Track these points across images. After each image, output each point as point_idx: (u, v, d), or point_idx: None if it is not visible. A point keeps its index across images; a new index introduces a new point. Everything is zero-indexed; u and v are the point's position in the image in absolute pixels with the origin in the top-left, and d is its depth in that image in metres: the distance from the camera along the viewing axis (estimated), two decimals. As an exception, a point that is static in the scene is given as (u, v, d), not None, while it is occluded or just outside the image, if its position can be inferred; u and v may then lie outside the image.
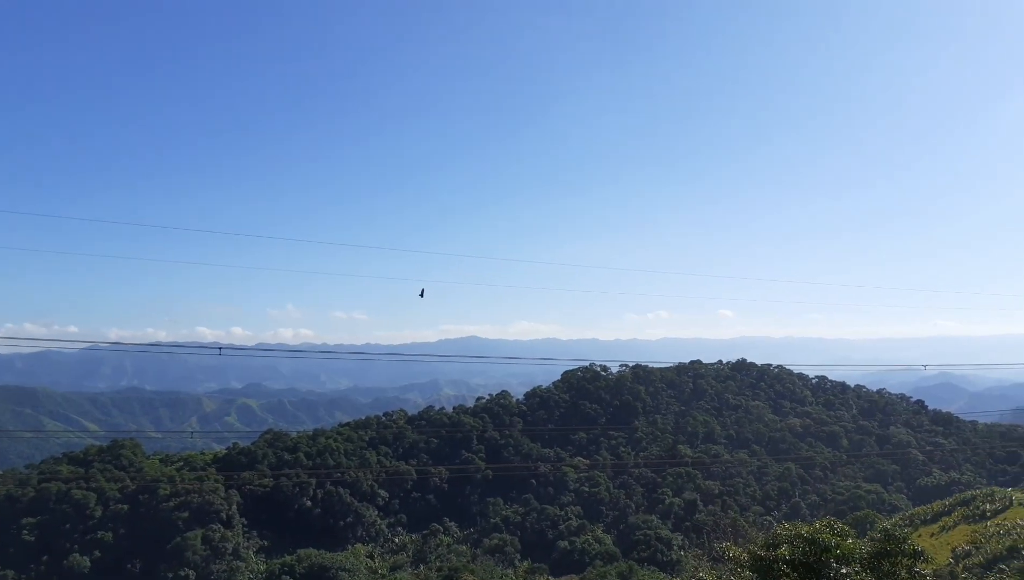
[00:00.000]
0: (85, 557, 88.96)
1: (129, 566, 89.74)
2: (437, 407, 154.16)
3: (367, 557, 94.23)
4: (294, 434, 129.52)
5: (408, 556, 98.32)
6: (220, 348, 38.23)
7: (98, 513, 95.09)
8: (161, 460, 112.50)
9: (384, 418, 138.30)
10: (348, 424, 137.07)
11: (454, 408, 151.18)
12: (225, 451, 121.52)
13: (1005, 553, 44.83)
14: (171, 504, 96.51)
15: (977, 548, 47.71)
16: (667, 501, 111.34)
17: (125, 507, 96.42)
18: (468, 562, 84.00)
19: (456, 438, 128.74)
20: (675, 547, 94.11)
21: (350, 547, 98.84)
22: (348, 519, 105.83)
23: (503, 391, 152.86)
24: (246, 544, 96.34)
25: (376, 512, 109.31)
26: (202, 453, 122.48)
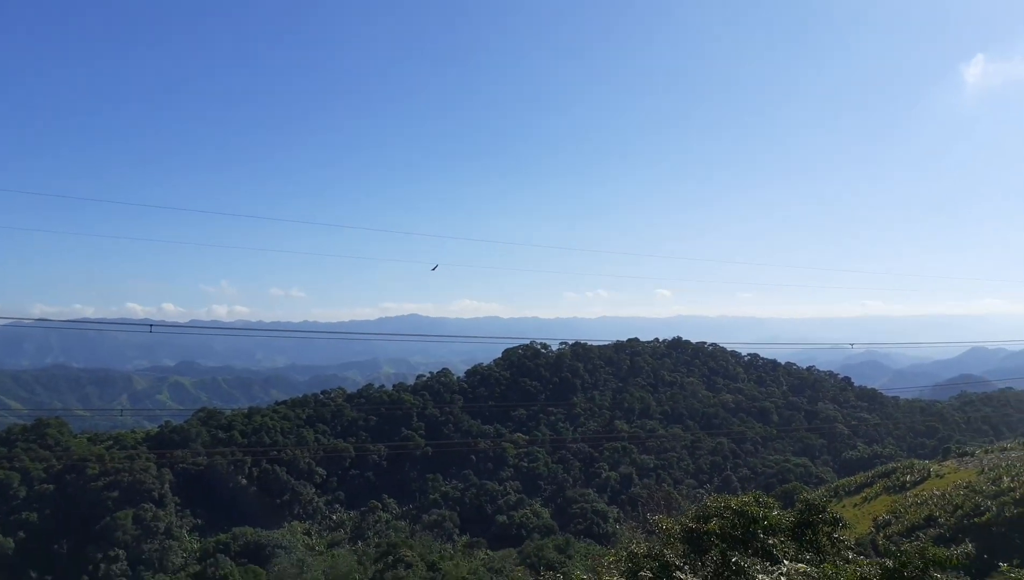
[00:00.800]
0: (9, 539, 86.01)
1: (56, 547, 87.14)
2: (377, 385, 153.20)
3: (304, 534, 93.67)
4: (229, 412, 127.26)
5: (346, 533, 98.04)
6: (151, 325, 36.92)
7: (22, 493, 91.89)
8: (89, 439, 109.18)
9: (322, 396, 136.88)
10: (285, 402, 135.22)
11: (394, 386, 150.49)
12: (157, 429, 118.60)
13: (922, 522, 47.02)
14: (100, 484, 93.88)
15: (897, 518, 49.91)
16: (604, 475, 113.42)
17: (51, 487, 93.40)
18: (407, 538, 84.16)
19: (396, 416, 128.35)
20: (611, 520, 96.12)
21: (287, 525, 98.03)
22: (285, 497, 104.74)
23: (444, 369, 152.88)
24: (179, 523, 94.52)
25: (313, 490, 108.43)
26: (133, 432, 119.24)
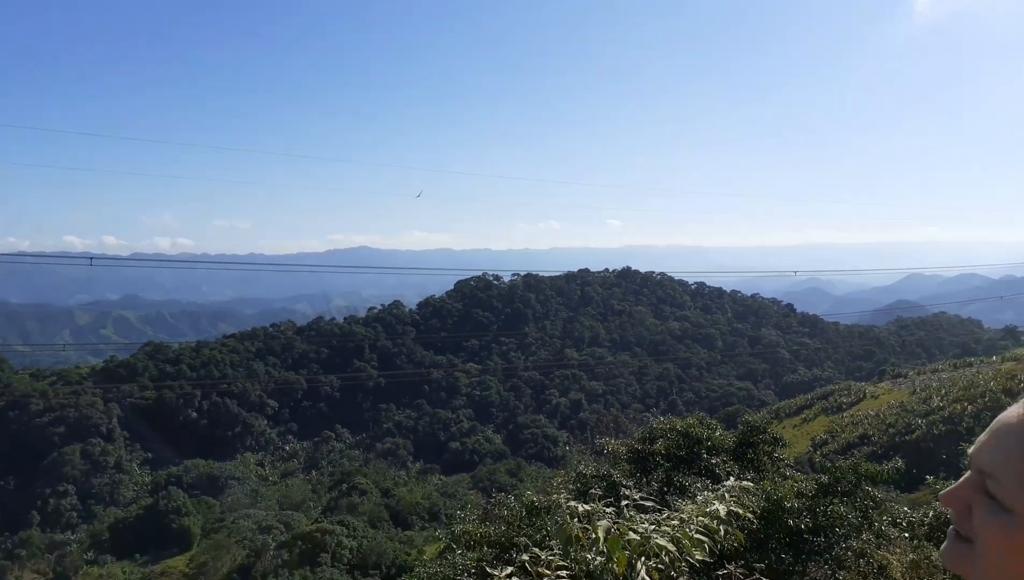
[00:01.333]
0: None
1: (2, 483, 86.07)
2: (328, 318, 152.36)
3: (257, 465, 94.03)
4: (176, 346, 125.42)
5: (300, 463, 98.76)
6: (91, 258, 35.59)
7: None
8: (32, 375, 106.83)
9: (272, 329, 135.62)
10: (234, 335, 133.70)
11: (345, 319, 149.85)
12: (103, 364, 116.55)
13: (857, 440, 49.38)
14: (45, 420, 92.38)
15: (833, 437, 52.28)
16: (554, 401, 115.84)
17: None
18: (361, 466, 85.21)
19: (348, 348, 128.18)
20: (561, 444, 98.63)
21: (240, 456, 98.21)
22: (236, 429, 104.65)
23: (396, 301, 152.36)
24: (129, 457, 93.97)
25: (265, 422, 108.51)
26: (77, 367, 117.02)
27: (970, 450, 1.07)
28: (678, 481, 11.60)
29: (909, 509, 12.25)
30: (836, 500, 10.03)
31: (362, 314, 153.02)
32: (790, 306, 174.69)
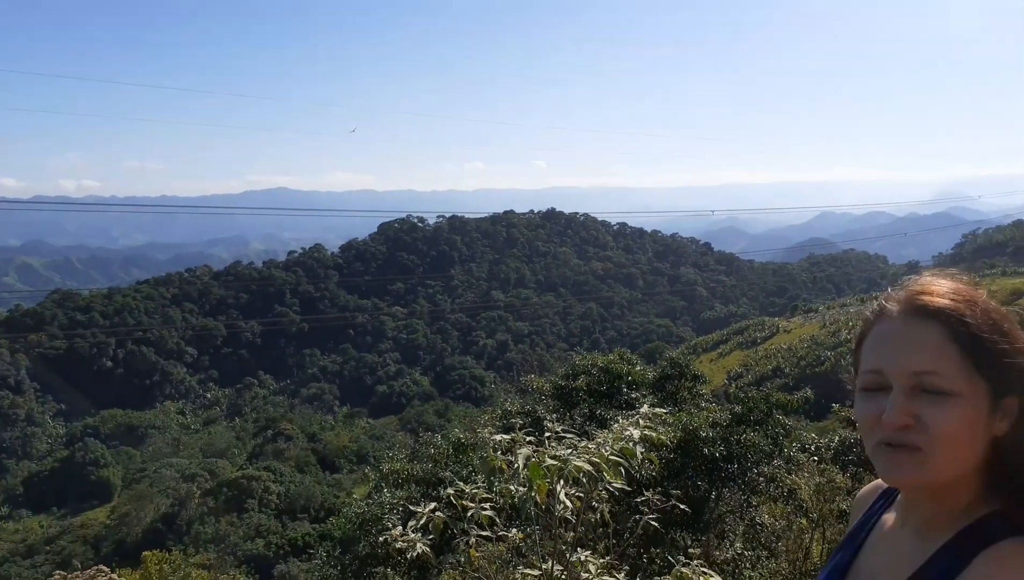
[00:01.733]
0: None
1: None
2: (246, 262, 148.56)
3: (178, 414, 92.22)
4: (86, 293, 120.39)
5: (222, 410, 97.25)
6: (-13, 201, 33.33)
7: None
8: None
9: (187, 274, 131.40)
10: (147, 281, 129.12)
11: (264, 263, 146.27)
12: (7, 313, 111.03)
13: (770, 373, 51.70)
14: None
15: (748, 370, 54.57)
16: (481, 343, 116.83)
17: None
18: (286, 412, 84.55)
19: (268, 293, 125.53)
20: (488, 384, 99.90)
21: (159, 405, 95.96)
22: (154, 378, 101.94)
23: (317, 244, 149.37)
24: (41, 409, 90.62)
25: (185, 369, 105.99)
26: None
27: (896, 365, 1.12)
28: (600, 415, 11.92)
29: (817, 435, 12.97)
30: (749, 429, 10.51)
31: (282, 258, 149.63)
32: (708, 245, 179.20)
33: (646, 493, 3.88)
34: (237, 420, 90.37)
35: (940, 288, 1.18)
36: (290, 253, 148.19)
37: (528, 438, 2.87)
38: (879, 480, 1.47)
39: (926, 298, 1.17)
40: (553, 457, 2.71)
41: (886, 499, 1.44)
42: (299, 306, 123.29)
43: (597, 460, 2.75)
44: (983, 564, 1.08)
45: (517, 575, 3.25)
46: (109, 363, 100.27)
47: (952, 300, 1.15)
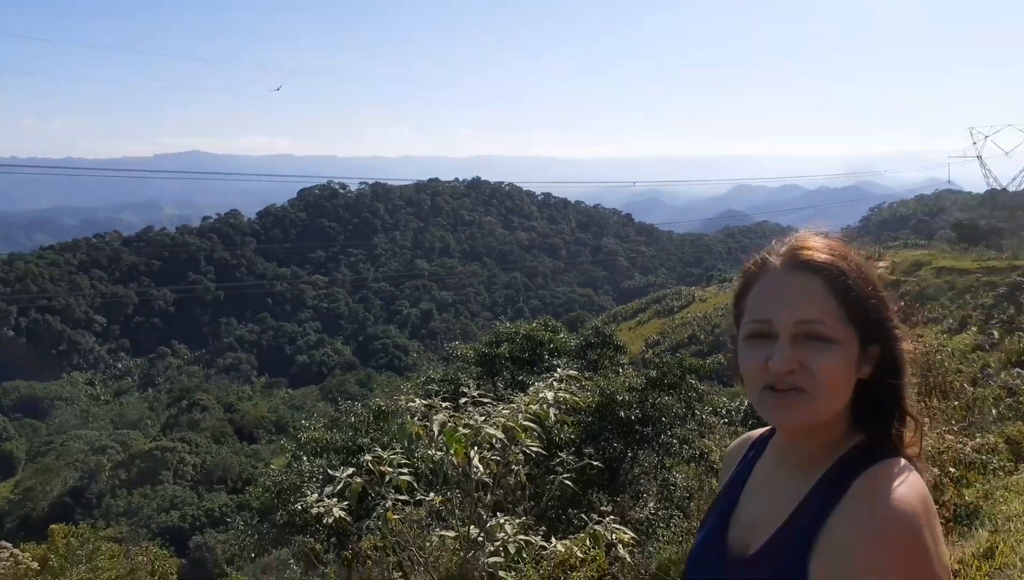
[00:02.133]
0: None
1: None
2: (158, 228, 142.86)
3: (87, 385, 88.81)
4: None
5: (134, 381, 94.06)
6: None
7: None
8: None
9: (95, 240, 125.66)
10: (52, 247, 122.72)
11: (178, 229, 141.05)
12: None
13: (686, 340, 53.22)
14: None
15: (664, 337, 56.05)
16: (405, 312, 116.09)
17: None
18: (202, 382, 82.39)
19: (181, 260, 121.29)
20: (412, 353, 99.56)
21: (66, 376, 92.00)
22: (61, 348, 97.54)
23: (233, 210, 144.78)
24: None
25: (94, 339, 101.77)
26: None
27: (782, 315, 1.22)
28: (522, 381, 12.07)
29: (728, 399, 13.47)
30: (663, 393, 10.84)
31: (196, 224, 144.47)
32: (629, 216, 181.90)
33: (561, 454, 3.97)
34: (150, 391, 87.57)
35: (818, 244, 1.29)
36: (205, 219, 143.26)
37: (445, 404, 2.90)
38: (748, 433, 1.61)
39: (807, 253, 1.27)
40: (467, 424, 2.74)
41: (758, 449, 1.51)
42: (214, 274, 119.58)
43: (512, 425, 2.80)
44: (861, 484, 1.18)
45: (434, 538, 3.29)
46: (11, 333, 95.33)
47: (830, 255, 1.26)
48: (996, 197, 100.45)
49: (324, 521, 3.11)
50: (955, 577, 4.26)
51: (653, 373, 11.56)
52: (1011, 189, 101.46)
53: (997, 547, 4.49)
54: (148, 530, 39.94)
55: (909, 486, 1.18)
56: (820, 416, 1.23)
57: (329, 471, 3.25)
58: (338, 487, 3.12)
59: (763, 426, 1.50)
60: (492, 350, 13.58)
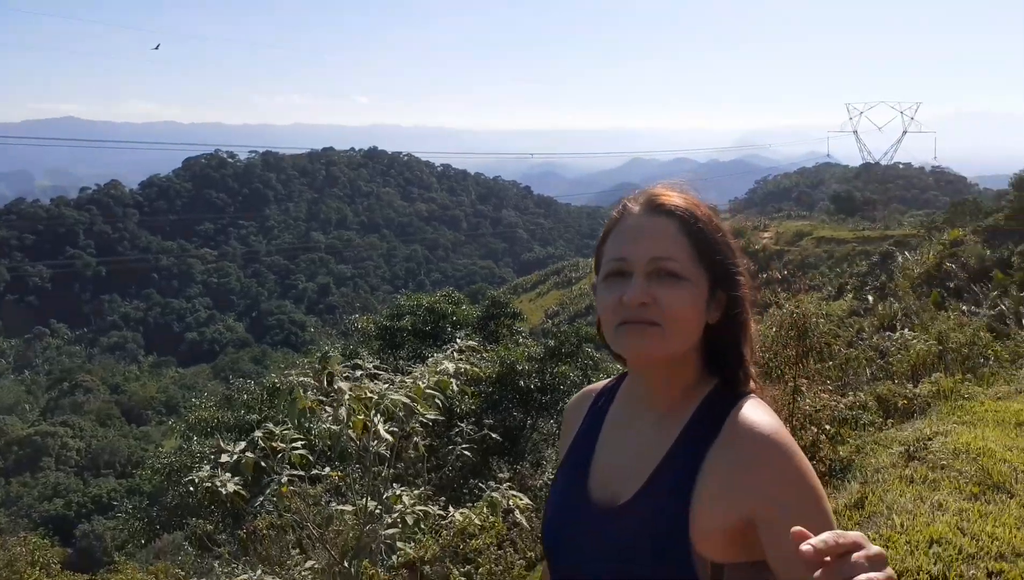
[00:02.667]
0: None
1: None
2: (30, 199, 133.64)
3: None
4: None
5: (9, 363, 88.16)
6: None
7: None
8: None
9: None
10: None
11: (53, 200, 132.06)
12: None
13: (583, 310, 54.31)
14: None
15: (563, 308, 57.05)
16: (301, 286, 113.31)
17: None
18: (84, 362, 78.23)
19: (58, 234, 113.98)
20: (309, 329, 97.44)
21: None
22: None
23: (114, 181, 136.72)
24: None
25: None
26: None
27: (638, 252, 1.28)
28: (424, 354, 12.05)
29: (622, 367, 13.84)
30: (561, 362, 11.06)
31: (74, 195, 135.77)
32: (528, 188, 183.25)
33: (460, 424, 4.00)
34: (27, 373, 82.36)
35: (673, 192, 1.37)
36: (83, 190, 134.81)
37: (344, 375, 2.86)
38: (590, 386, 1.64)
39: (663, 198, 1.35)
40: (370, 391, 2.71)
41: (606, 398, 1.52)
42: (95, 248, 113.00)
43: (413, 395, 2.79)
44: (734, 419, 1.23)
45: (331, 511, 3.26)
46: None
47: (684, 202, 1.34)
48: (870, 170, 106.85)
49: (219, 496, 3.01)
50: (829, 526, 4.56)
51: (551, 343, 11.77)
52: (883, 162, 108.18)
53: (867, 497, 4.82)
54: (30, 520, 37.87)
55: (773, 417, 1.24)
56: (672, 349, 1.27)
57: (221, 446, 3.14)
58: (232, 459, 3.03)
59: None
60: (394, 323, 13.47)
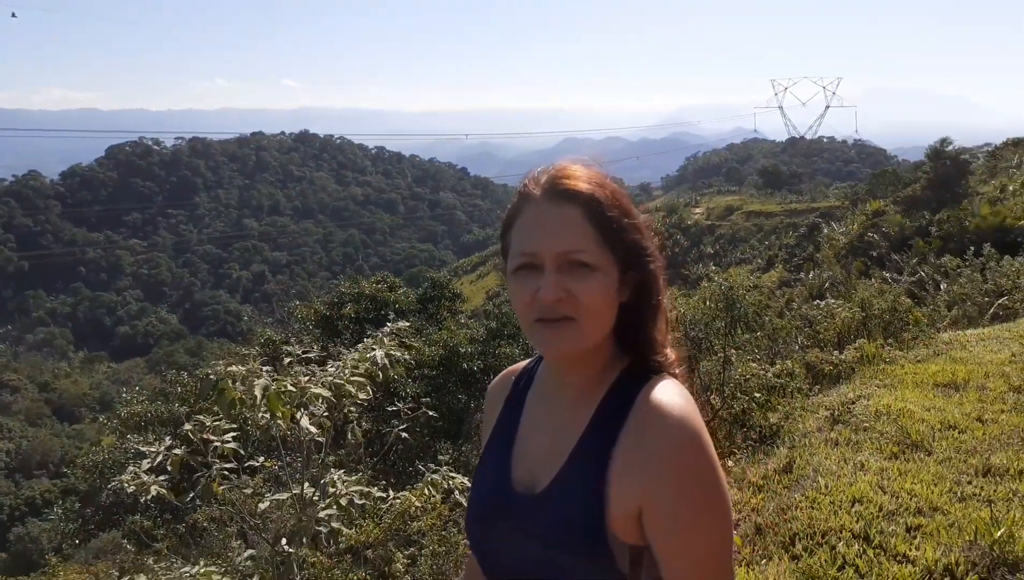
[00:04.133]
0: None
1: None
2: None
3: None
4: None
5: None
6: None
7: None
8: None
9: None
10: None
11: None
12: None
13: (523, 290, 54.73)
14: None
15: (505, 289, 57.22)
16: (235, 275, 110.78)
17: None
18: (10, 361, 75.14)
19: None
20: (245, 318, 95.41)
21: None
22: None
23: (32, 171, 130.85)
24: None
25: None
26: None
27: (547, 246, 1.25)
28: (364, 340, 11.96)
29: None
30: (504, 343, 11.12)
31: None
32: (464, 170, 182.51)
33: (397, 404, 4.01)
34: (-54, 376, 78.77)
35: (576, 172, 1.32)
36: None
37: (266, 367, 2.83)
38: (510, 368, 1.59)
39: (567, 182, 1.29)
40: (293, 384, 2.69)
41: (528, 379, 1.48)
42: (15, 242, 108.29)
43: (340, 382, 2.78)
44: (640, 402, 1.23)
45: (266, 502, 3.24)
46: None
47: (588, 183, 1.29)
48: (796, 145, 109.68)
49: (142, 499, 2.95)
50: (759, 491, 4.73)
51: (493, 324, 11.81)
52: (808, 137, 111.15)
53: (795, 461, 5.01)
54: (-43, 526, 36.49)
55: (682, 396, 1.23)
56: (590, 342, 1.26)
57: (141, 447, 3.08)
58: (156, 460, 2.98)
59: None
60: (335, 311, 13.31)
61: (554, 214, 1.27)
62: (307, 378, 2.86)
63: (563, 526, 1.21)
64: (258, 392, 2.68)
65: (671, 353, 1.35)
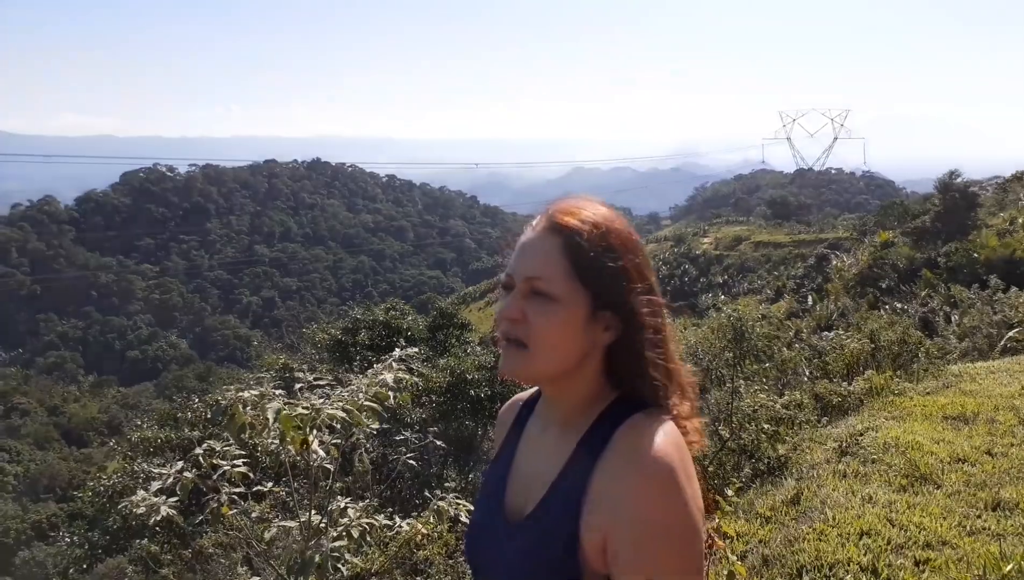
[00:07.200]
0: None
1: None
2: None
3: None
4: None
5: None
6: None
7: None
8: None
9: None
10: None
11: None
12: None
13: (530, 317, 54.77)
14: None
15: (512, 316, 57.39)
16: (245, 301, 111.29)
17: None
18: (20, 384, 75.38)
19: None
20: (255, 344, 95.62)
21: None
22: None
23: (47, 196, 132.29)
24: None
25: None
26: None
27: (517, 269, 1.30)
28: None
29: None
30: (510, 369, 11.12)
31: (4, 212, 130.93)
32: (474, 198, 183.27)
33: (405, 433, 4.03)
34: (-45, 398, 79.10)
35: (575, 208, 1.35)
36: (14, 206, 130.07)
37: (278, 391, 2.86)
38: (517, 395, 1.63)
39: (559, 216, 1.33)
40: (305, 407, 2.73)
41: (529, 409, 1.51)
42: (28, 266, 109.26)
43: (350, 407, 2.81)
44: (619, 436, 1.24)
45: (274, 529, 3.26)
46: None
47: (579, 220, 1.31)
48: (804, 176, 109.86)
49: (150, 521, 2.98)
50: (767, 523, 4.72)
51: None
52: (816, 168, 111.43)
53: (802, 493, 5.00)
54: (-38, 550, 36.35)
55: (663, 433, 1.22)
56: (539, 371, 1.28)
57: (153, 470, 3.12)
58: (167, 482, 3.01)
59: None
60: (349, 338, 13.41)
61: (536, 242, 1.32)
62: (320, 401, 2.90)
63: (541, 555, 1.23)
64: (270, 415, 2.72)
65: (674, 388, 1.33)
